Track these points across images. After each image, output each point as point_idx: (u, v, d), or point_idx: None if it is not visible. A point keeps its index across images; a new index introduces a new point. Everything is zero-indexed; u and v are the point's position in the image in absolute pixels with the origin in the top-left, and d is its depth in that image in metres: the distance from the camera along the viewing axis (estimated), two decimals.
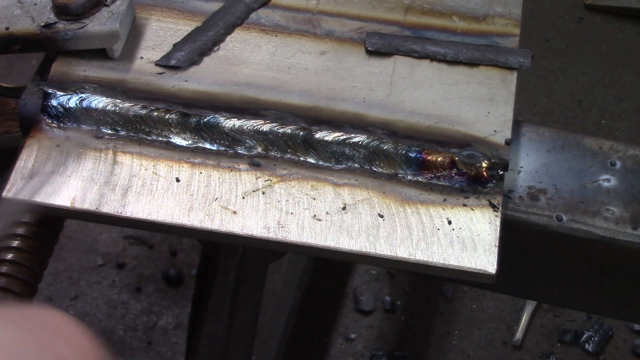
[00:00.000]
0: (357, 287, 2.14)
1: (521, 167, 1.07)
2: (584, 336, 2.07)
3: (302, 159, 1.02)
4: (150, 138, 1.03)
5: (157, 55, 1.08)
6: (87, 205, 0.97)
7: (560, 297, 1.20)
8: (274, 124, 1.02)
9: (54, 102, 1.03)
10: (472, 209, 0.98)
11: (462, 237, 0.96)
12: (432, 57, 1.10)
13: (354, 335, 2.08)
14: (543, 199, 1.05)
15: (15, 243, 1.07)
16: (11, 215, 1.00)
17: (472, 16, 1.15)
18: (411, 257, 0.95)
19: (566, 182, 1.06)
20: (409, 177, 1.01)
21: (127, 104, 1.03)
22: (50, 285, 2.15)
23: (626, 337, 2.09)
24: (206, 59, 1.09)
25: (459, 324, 2.11)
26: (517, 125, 1.09)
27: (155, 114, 1.03)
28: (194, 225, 0.96)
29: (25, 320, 0.63)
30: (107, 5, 1.05)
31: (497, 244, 0.95)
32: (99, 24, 1.04)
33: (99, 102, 1.03)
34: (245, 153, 1.02)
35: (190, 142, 1.02)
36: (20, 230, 1.07)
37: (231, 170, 1.00)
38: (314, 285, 2.08)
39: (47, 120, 1.03)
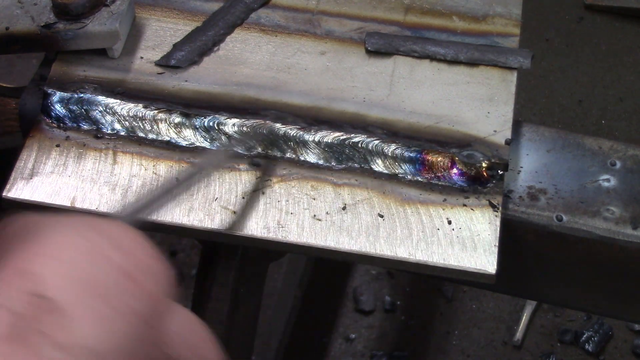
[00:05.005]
0: (357, 287, 2.14)
1: (521, 167, 1.07)
2: (584, 336, 2.07)
3: (302, 159, 1.02)
4: (150, 138, 1.03)
5: (157, 55, 1.08)
6: (87, 205, 0.97)
7: (560, 297, 1.20)
8: (274, 124, 1.02)
9: (54, 102, 1.03)
10: (472, 209, 0.98)
11: (462, 237, 0.96)
12: (432, 57, 1.10)
13: (354, 335, 2.08)
14: (543, 199, 1.04)
15: None
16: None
17: (472, 16, 1.15)
18: (411, 257, 0.95)
19: (566, 182, 1.06)
20: (409, 177, 1.01)
21: (127, 104, 1.03)
22: None
23: (626, 337, 2.09)
24: (206, 59, 1.09)
25: (459, 324, 2.11)
26: (517, 125, 1.09)
27: (156, 113, 1.02)
28: (194, 225, 0.96)
29: (83, 228, 0.56)
30: (107, 5, 1.05)
31: (497, 244, 0.95)
32: (99, 24, 1.04)
33: (99, 102, 1.03)
34: (245, 153, 1.02)
35: (190, 142, 1.02)
36: None
37: (231, 170, 1.00)
38: (314, 285, 2.08)
39: (47, 120, 1.03)
